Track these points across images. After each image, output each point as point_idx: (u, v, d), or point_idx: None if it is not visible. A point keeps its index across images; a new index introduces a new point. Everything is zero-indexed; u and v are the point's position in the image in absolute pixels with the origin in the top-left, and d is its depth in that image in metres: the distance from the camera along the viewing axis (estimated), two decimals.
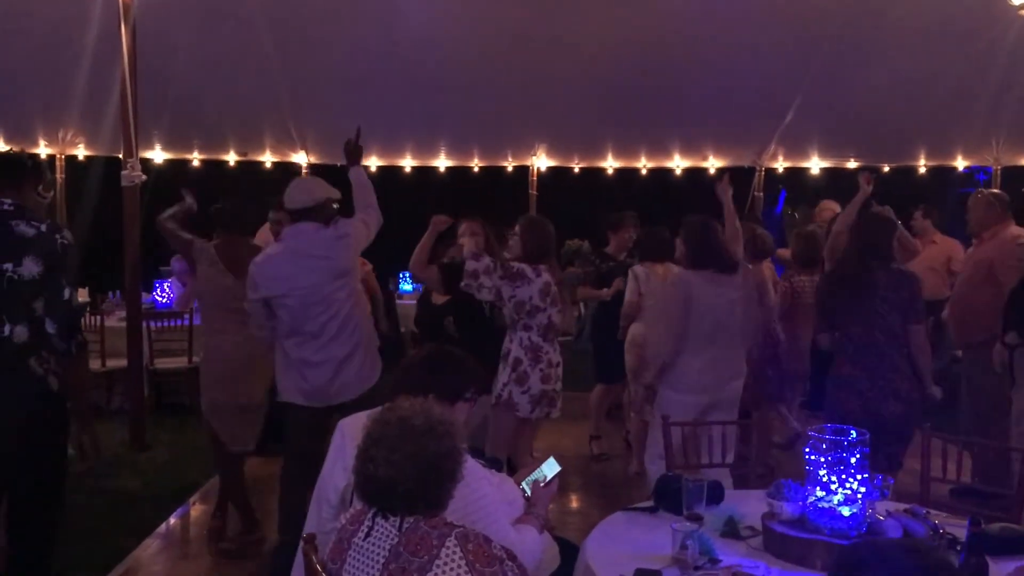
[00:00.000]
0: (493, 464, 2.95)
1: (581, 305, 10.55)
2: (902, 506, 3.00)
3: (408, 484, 2.05)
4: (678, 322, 4.55)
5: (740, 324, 4.71)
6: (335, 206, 4.51)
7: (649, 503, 3.17)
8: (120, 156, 6.62)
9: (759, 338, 5.00)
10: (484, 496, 2.60)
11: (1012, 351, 4.83)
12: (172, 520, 5.28)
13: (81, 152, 10.06)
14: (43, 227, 3.30)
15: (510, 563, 2.06)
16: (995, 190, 6.20)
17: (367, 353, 4.44)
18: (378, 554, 2.06)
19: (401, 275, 9.80)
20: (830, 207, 7.61)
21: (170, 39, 7.20)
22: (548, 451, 6.37)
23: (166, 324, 7.53)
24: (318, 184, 4.55)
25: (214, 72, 8.05)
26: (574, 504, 5.80)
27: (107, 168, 9.56)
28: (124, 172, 6.48)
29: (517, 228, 4.89)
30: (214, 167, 10.68)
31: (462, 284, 4.69)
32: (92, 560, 4.64)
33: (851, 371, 4.34)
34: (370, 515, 2.12)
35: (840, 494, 2.65)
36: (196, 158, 10.57)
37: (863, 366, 4.31)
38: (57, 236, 3.32)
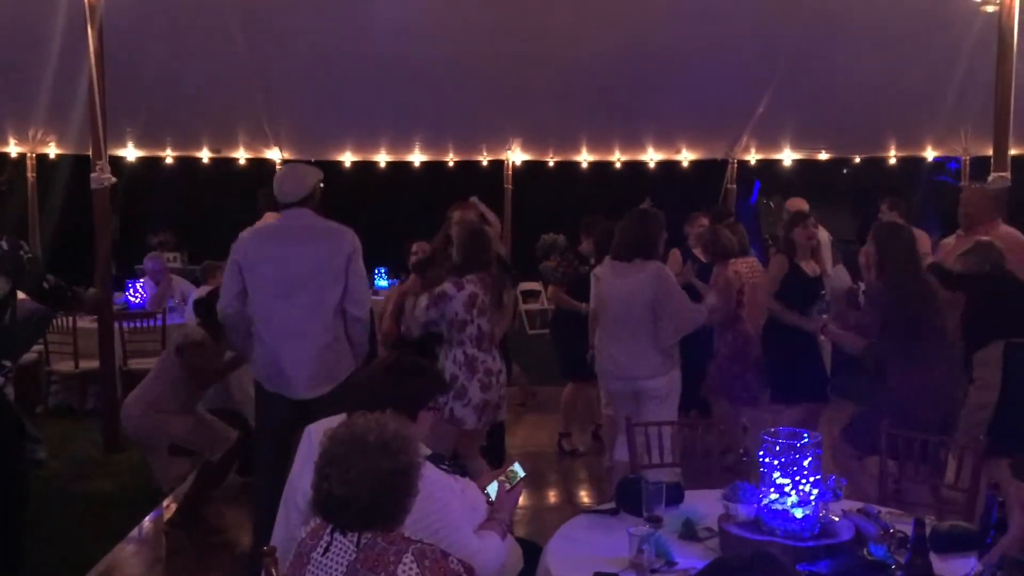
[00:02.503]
0: (457, 469, 2.98)
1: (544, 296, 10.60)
2: (856, 505, 3.06)
3: (363, 502, 2.07)
4: (593, 308, 4.97)
5: (641, 319, 4.75)
6: (320, 184, 4.51)
7: (611, 505, 3.22)
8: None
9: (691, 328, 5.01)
10: (446, 505, 2.64)
11: (973, 354, 4.89)
12: (146, 523, 5.27)
13: (52, 151, 10.00)
14: (4, 244, 3.30)
15: None
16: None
17: (337, 354, 4.41)
18: (336, 570, 2.10)
19: (376, 271, 9.80)
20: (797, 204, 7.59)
21: (141, 36, 7.18)
22: (523, 445, 6.47)
23: (139, 325, 7.51)
24: (308, 172, 4.51)
25: (186, 69, 8.02)
26: (547, 501, 5.85)
27: (78, 167, 9.51)
28: (93, 175, 6.45)
29: (454, 235, 4.87)
30: (188, 165, 10.64)
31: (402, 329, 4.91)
32: (65, 563, 4.65)
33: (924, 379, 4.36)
34: (328, 531, 2.15)
35: (793, 496, 2.71)
36: (169, 155, 10.53)
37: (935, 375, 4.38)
38: (21, 252, 3.34)
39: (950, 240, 6.01)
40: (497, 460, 5.40)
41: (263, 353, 4.39)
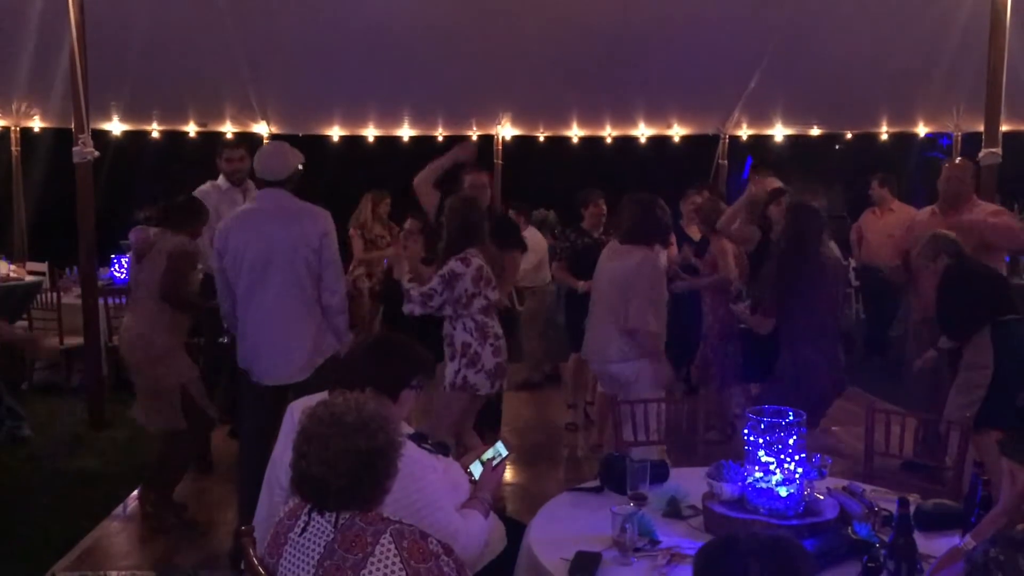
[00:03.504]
0: (440, 448, 2.96)
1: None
2: (841, 483, 3.05)
3: (341, 482, 2.05)
4: None
5: (616, 303, 4.71)
6: (300, 167, 4.49)
7: (595, 483, 3.21)
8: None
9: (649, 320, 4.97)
10: (428, 484, 2.62)
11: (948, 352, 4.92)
12: (131, 500, 5.23)
13: (36, 124, 9.88)
14: None
15: (446, 558, 2.08)
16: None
17: (316, 338, 4.39)
18: (313, 550, 2.07)
19: None
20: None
21: (125, 7, 7.06)
22: (511, 422, 6.46)
23: (124, 301, 7.42)
24: (292, 153, 4.48)
25: (171, 41, 7.90)
26: (534, 478, 5.82)
27: (63, 140, 9.42)
28: (76, 148, 6.37)
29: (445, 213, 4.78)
30: (174, 138, 10.53)
31: (405, 309, 4.66)
32: (50, 540, 4.62)
33: (816, 351, 4.55)
34: (306, 510, 2.13)
35: (778, 474, 2.69)
36: (155, 129, 10.42)
37: (824, 346, 4.55)
38: None
39: (923, 217, 5.92)
40: (494, 423, 5.46)
41: (243, 337, 4.37)
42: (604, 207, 6.63)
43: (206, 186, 6.00)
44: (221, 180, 6.06)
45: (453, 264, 4.60)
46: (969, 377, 4.75)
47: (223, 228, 4.41)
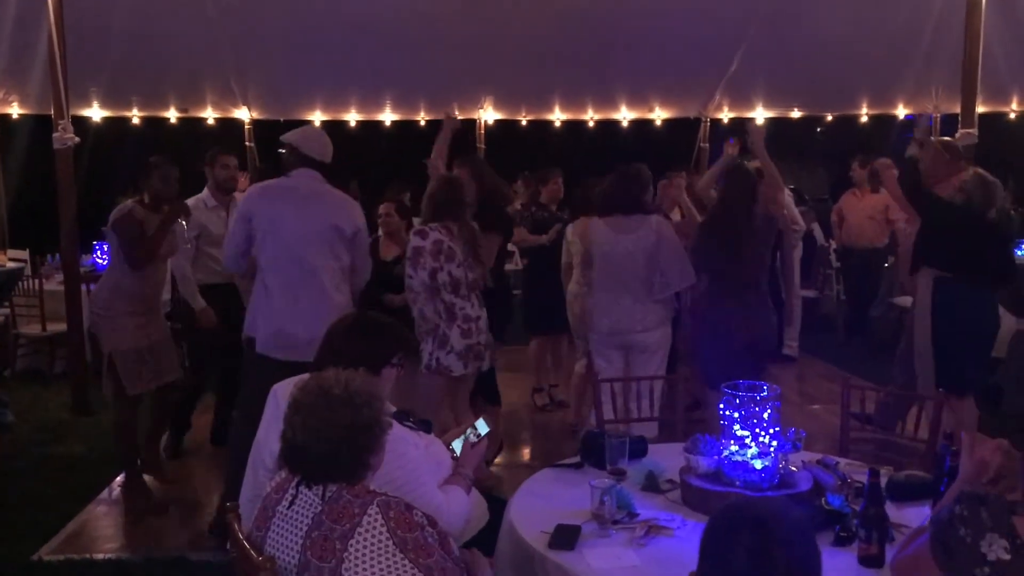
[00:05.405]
0: (422, 425, 2.99)
1: (518, 255, 10.60)
2: (815, 456, 3.11)
3: (321, 450, 2.09)
4: (584, 265, 5.06)
5: (645, 272, 4.87)
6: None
7: (576, 459, 3.26)
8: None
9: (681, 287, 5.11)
10: (410, 461, 2.66)
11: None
12: (116, 484, 5.23)
13: (15, 111, 9.80)
14: None
15: (430, 529, 2.12)
16: (945, 138, 6.10)
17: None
18: (301, 522, 2.11)
19: None
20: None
21: None
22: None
23: None
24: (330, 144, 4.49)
25: (152, 26, 7.85)
26: (516, 458, 5.89)
27: (43, 127, 9.35)
28: (55, 135, 6.36)
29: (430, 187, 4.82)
30: (155, 124, 10.47)
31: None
32: (37, 526, 4.63)
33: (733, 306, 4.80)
34: (294, 484, 2.17)
35: (753, 448, 2.75)
36: (136, 115, 10.35)
37: (749, 299, 4.83)
38: None
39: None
40: (493, 399, 5.53)
41: (269, 310, 4.23)
42: (561, 184, 6.95)
43: (191, 201, 5.42)
44: (206, 195, 5.65)
45: (413, 240, 4.63)
46: (917, 341, 4.86)
47: (252, 194, 4.36)
